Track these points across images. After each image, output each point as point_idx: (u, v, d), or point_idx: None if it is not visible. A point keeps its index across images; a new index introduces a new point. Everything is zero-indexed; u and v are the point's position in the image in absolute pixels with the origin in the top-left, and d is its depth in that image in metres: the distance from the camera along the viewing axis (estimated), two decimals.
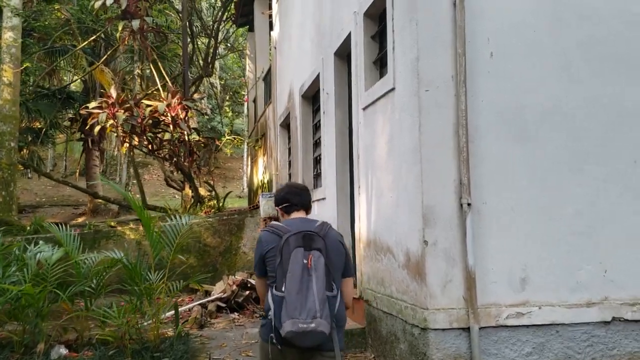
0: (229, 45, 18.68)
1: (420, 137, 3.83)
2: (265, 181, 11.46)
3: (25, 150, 15.11)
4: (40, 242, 4.46)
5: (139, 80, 14.43)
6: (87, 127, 9.96)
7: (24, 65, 10.02)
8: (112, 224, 10.75)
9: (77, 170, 19.76)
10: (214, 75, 20.87)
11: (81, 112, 9.89)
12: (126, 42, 10.14)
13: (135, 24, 9.77)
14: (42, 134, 13.84)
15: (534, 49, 3.99)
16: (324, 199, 6.63)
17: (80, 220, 15.77)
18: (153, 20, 10.29)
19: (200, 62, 14.64)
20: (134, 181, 24.30)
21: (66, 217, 16.70)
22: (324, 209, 6.60)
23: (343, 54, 5.97)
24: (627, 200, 4.01)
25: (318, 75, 6.78)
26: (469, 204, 3.78)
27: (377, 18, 5.02)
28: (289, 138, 9.02)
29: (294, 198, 3.15)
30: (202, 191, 12.59)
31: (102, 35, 14.13)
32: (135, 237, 10.35)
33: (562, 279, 3.90)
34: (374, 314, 4.82)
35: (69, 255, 4.31)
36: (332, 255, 2.87)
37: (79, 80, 17.40)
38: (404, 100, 4.13)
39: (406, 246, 4.09)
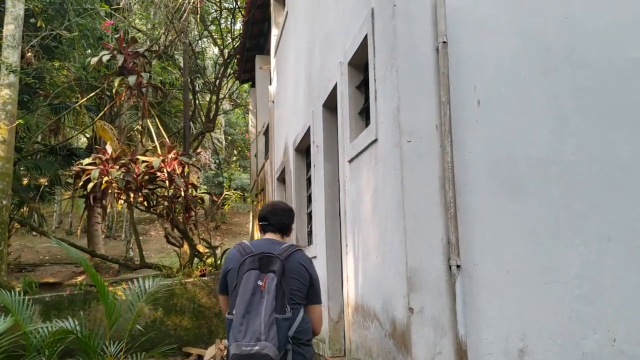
0: (236, 101, 18.73)
1: (403, 192, 3.50)
2: None
3: (25, 208, 14.94)
4: None
5: (139, 137, 14.36)
6: (81, 184, 9.75)
7: (17, 122, 9.91)
8: (105, 284, 10.37)
9: (79, 228, 19.55)
10: (219, 130, 20.87)
11: (74, 168, 9.68)
12: (123, 98, 10.06)
13: (132, 79, 9.70)
14: (40, 191, 13.67)
15: (524, 97, 3.70)
16: (315, 257, 6.25)
17: (79, 279, 15.41)
18: (150, 76, 10.24)
19: (203, 118, 14.61)
20: (140, 238, 24.06)
21: (66, 275, 16.36)
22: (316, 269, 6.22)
23: (332, 106, 5.73)
24: (636, 260, 3.61)
25: (309, 128, 6.54)
26: (458, 266, 3.41)
27: (362, 67, 4.79)
28: (285, 193, 8.73)
29: (272, 218, 3.12)
30: (201, 248, 12.25)
31: (108, 93, 14.20)
32: (127, 297, 9.94)
33: (565, 349, 3.47)
34: None
35: (19, 325, 3.94)
36: (291, 278, 2.86)
37: (83, 137, 17.43)
38: (386, 152, 3.83)
39: (392, 313, 3.69)
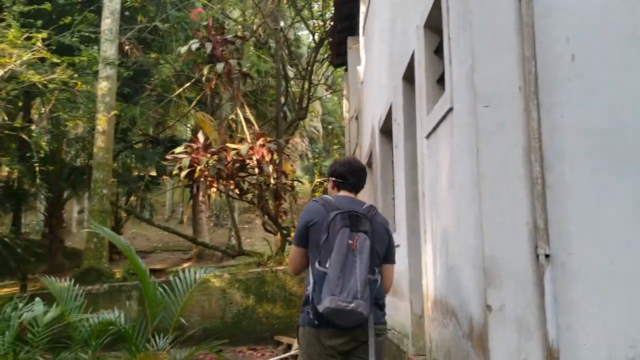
0: (331, 87, 18.42)
1: (479, 166, 2.94)
2: None
3: (133, 198, 15.62)
4: (36, 298, 4.01)
5: (234, 125, 14.48)
6: (175, 172, 9.89)
7: (113, 113, 10.19)
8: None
9: (185, 216, 20.24)
10: (316, 118, 20.70)
11: (168, 157, 9.82)
12: (212, 86, 10.06)
13: (220, 67, 9.65)
14: (144, 181, 14.20)
15: (632, 50, 2.99)
16: (398, 246, 5.75)
17: (185, 265, 15.90)
18: (239, 63, 10.15)
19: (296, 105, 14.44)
20: (245, 226, 24.50)
21: (173, 262, 16.97)
22: (398, 260, 5.73)
23: (411, 77, 5.18)
24: None
25: (391, 106, 6.04)
26: (547, 255, 2.81)
27: (439, 29, 4.21)
28: (372, 178, 8.28)
29: (351, 178, 3.13)
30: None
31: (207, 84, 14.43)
32: (220, 284, 9.98)
33: None
34: None
35: (65, 315, 3.82)
36: (377, 239, 2.89)
37: (187, 128, 17.94)
38: (461, 121, 3.28)
39: (469, 310, 3.15)
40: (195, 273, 4.04)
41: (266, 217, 10.71)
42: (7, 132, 11.68)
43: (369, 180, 8.86)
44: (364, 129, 9.29)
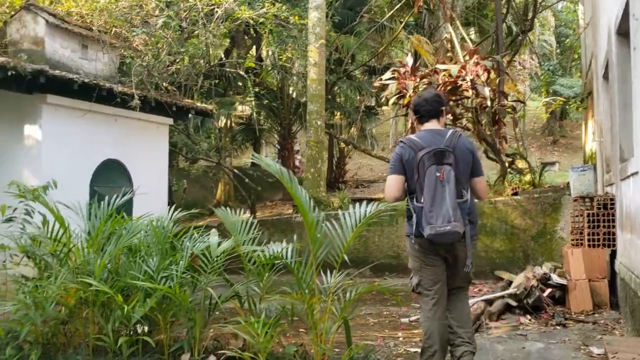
0: None
1: None
2: (593, 150, 9.27)
3: (353, 129, 15.79)
4: (212, 229, 3.93)
5: (449, 45, 13.47)
6: (383, 100, 9.55)
7: (320, 42, 10.03)
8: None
9: None
10: (549, 32, 18.36)
11: (375, 84, 9.48)
12: (420, 5, 9.33)
13: None
14: (360, 112, 14.18)
15: None
16: (636, 173, 4.66)
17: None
18: None
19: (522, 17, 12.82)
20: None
21: None
22: (635, 191, 4.65)
23: None
24: None
25: None
26: None
27: None
28: (609, 92, 6.91)
29: (421, 108, 3.55)
30: (521, 164, 11.04)
31: (425, 6, 13.61)
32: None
33: None
34: None
35: (238, 246, 3.68)
36: (461, 165, 3.40)
37: (405, 54, 17.39)
38: None
39: None
40: (365, 208, 3.65)
41: (483, 143, 9.81)
42: (236, 72, 12.50)
43: (606, 96, 7.46)
44: (598, 35, 7.77)
